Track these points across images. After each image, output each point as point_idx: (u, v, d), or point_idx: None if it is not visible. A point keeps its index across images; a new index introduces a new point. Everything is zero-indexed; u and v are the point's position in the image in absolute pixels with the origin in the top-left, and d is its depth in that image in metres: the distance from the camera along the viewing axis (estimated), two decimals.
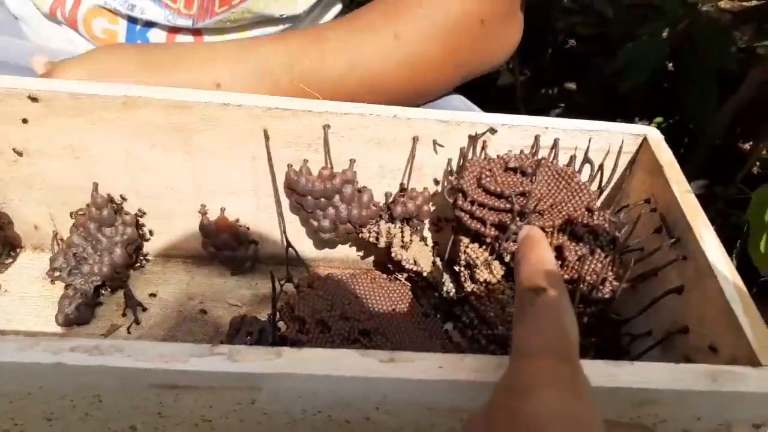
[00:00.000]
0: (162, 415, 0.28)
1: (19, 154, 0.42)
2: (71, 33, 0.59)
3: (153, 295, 0.46)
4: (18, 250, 0.47)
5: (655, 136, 0.42)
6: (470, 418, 0.24)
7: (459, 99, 0.59)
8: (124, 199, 0.45)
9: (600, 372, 0.27)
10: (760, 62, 0.98)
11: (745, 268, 0.60)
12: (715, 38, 0.97)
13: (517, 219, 0.39)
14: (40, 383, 0.27)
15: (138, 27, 0.58)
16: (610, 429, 0.23)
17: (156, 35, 0.58)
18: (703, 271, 0.34)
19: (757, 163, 1.09)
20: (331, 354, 0.27)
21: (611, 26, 1.23)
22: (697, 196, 0.38)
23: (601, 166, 0.43)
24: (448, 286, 0.44)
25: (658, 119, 1.16)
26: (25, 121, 0.41)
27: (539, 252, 0.29)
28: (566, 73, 1.33)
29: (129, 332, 0.43)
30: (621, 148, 0.42)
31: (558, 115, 1.25)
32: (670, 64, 1.11)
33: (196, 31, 0.58)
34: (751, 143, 1.12)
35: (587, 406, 0.21)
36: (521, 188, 0.40)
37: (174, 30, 0.58)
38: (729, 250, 0.37)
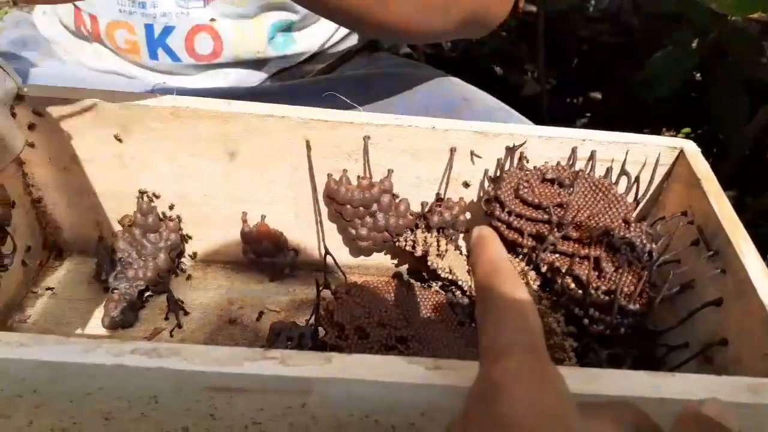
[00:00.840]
0: (214, 417, 0.29)
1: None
2: (99, 47, 0.61)
3: (188, 277, 0.49)
4: (65, 255, 0.49)
5: (691, 148, 0.43)
6: (449, 427, 0.24)
7: (503, 110, 0.59)
8: (155, 197, 0.46)
9: (644, 383, 0.28)
10: None
11: None
12: (745, 48, 0.97)
13: (555, 230, 0.39)
14: (101, 384, 0.28)
15: (156, 35, 0.59)
16: (593, 411, 0.23)
17: (175, 39, 0.59)
18: (743, 285, 0.34)
19: None
20: (379, 360, 0.28)
21: (637, 36, 1.23)
22: None
23: (637, 178, 0.43)
24: None
25: (686, 129, 1.15)
26: (75, 129, 0.42)
27: (492, 249, 0.28)
28: (591, 83, 1.33)
29: (171, 336, 0.44)
30: (658, 160, 0.43)
31: (584, 125, 1.25)
32: (698, 74, 1.10)
33: (215, 33, 0.59)
34: None
35: (558, 397, 0.21)
36: (558, 199, 0.40)
37: (191, 32, 0.59)
38: None
